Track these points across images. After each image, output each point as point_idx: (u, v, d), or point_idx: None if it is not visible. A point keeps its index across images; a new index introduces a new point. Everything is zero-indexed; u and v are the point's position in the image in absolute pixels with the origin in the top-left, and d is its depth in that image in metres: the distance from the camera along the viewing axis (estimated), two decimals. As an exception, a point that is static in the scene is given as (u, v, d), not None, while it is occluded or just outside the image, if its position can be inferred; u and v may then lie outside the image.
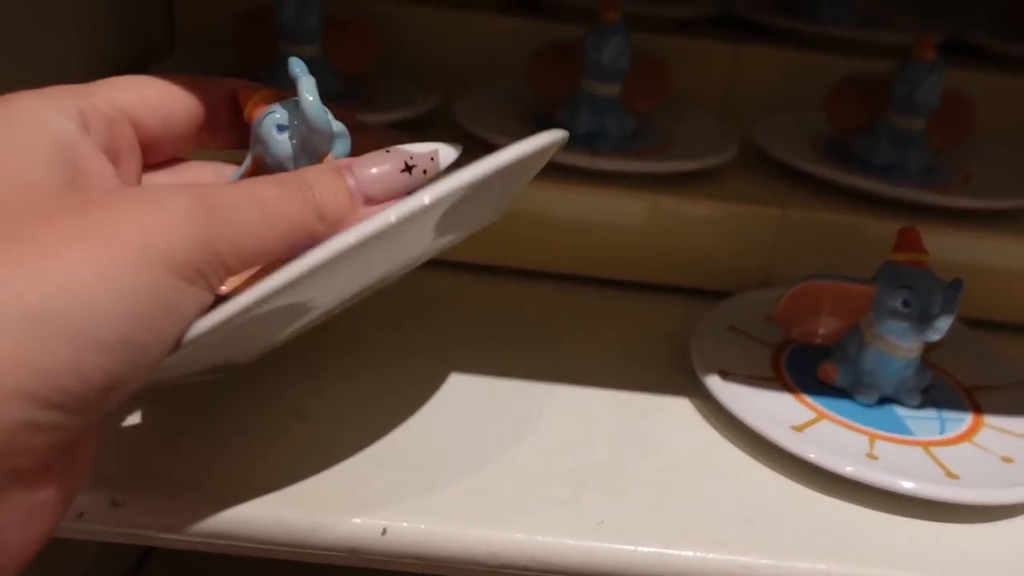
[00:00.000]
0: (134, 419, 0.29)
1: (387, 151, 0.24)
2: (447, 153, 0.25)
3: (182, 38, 0.53)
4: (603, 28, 0.42)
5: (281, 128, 0.24)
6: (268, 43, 0.44)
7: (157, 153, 0.26)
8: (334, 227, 0.22)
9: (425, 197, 0.21)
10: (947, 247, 0.41)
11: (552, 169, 0.40)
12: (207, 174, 0.27)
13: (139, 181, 0.25)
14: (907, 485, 0.28)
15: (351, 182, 0.23)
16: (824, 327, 0.34)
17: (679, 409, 0.33)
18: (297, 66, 0.25)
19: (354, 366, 0.33)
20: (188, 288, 0.19)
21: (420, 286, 0.39)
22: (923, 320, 0.31)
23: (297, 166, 0.25)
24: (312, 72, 0.25)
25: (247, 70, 0.45)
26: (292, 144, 0.25)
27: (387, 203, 0.23)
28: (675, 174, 0.42)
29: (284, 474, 0.27)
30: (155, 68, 0.44)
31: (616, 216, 0.41)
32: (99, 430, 0.22)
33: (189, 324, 0.20)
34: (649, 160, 0.42)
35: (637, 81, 0.44)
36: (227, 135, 0.27)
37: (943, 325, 0.30)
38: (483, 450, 0.29)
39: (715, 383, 0.32)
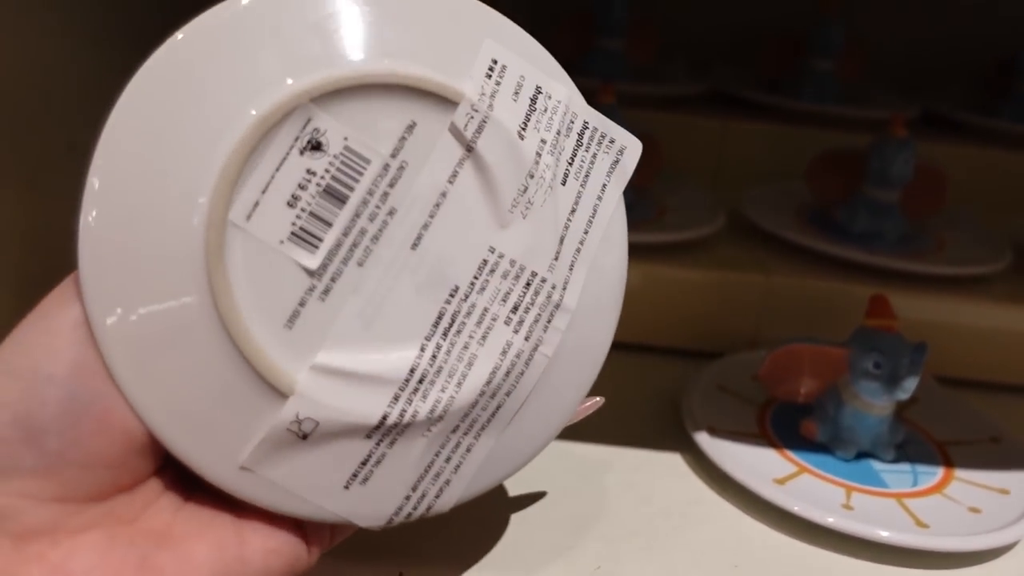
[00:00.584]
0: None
1: None
2: None
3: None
4: (601, 109, 0.45)
5: None
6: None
7: None
8: None
9: None
10: (923, 310, 0.44)
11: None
12: None
13: None
14: (884, 534, 0.31)
15: None
16: (805, 387, 0.37)
17: (670, 463, 0.36)
18: None
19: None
20: None
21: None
22: (893, 381, 0.33)
23: None
24: None
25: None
26: None
27: None
28: (667, 243, 0.45)
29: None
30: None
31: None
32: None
33: None
34: (643, 231, 0.45)
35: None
36: None
37: (910, 385, 0.33)
38: (490, 500, 0.32)
39: (703, 439, 0.35)
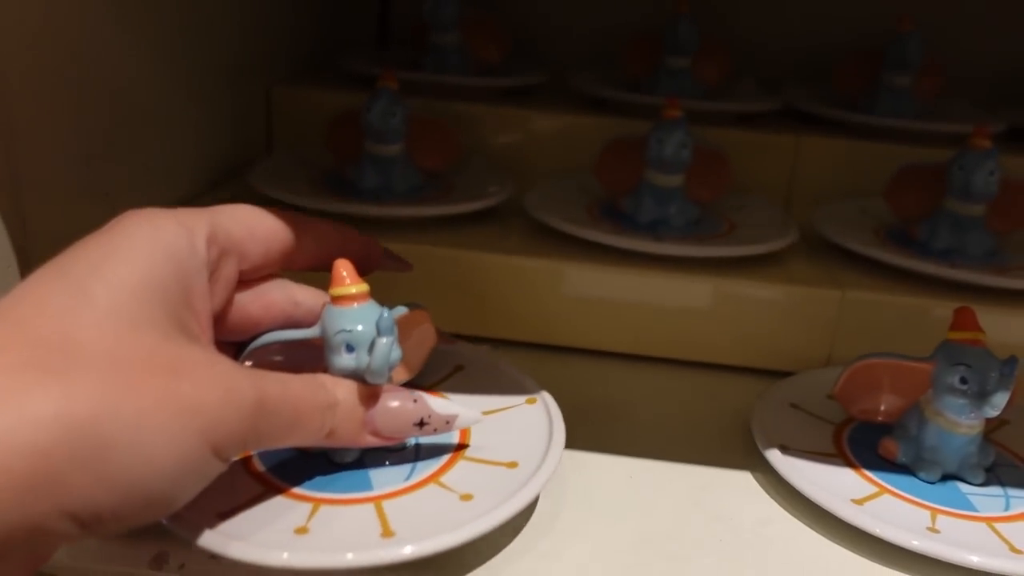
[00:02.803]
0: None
1: (414, 400, 0.28)
2: (465, 419, 0.30)
3: (279, 139, 0.58)
4: (665, 123, 0.45)
5: (349, 348, 0.27)
6: (356, 143, 0.48)
7: (247, 275, 0.29)
8: (333, 443, 0.27)
9: None
10: (1010, 328, 0.41)
11: (618, 254, 0.43)
12: (279, 297, 0.30)
13: (229, 301, 0.28)
14: (974, 559, 0.29)
15: (369, 416, 0.28)
16: (884, 404, 0.35)
17: (741, 481, 0.34)
18: (383, 324, 0.27)
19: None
20: (217, 462, 0.23)
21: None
22: (981, 396, 0.31)
23: (344, 375, 0.28)
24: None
25: (337, 167, 0.50)
26: (353, 366, 0.28)
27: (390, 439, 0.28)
28: (738, 258, 0.44)
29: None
30: (256, 169, 0.48)
31: (682, 299, 0.43)
32: None
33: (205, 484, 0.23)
34: (713, 244, 0.44)
35: (699, 172, 0.47)
36: (309, 265, 0.31)
37: (1000, 401, 0.31)
38: (556, 516, 0.31)
39: (776, 456, 0.33)
